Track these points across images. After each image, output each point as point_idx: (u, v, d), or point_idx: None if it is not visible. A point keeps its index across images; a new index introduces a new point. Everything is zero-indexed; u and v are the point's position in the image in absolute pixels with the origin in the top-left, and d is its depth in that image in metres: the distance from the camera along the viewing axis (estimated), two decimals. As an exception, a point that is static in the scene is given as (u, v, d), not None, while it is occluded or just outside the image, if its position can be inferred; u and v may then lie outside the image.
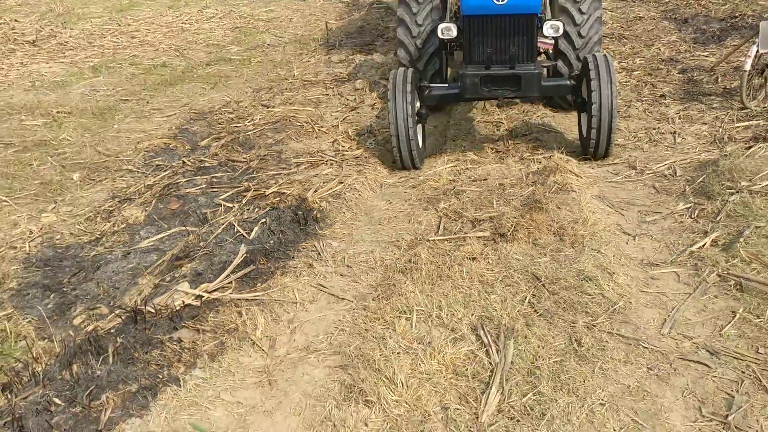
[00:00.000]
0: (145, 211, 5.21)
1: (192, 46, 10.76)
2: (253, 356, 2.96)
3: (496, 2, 5.56)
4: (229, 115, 7.36)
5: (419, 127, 6.20)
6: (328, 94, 7.73)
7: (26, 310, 4.05)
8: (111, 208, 5.33)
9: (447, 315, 3.03)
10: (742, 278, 3.12)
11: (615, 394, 2.49)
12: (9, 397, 2.74)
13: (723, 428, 2.32)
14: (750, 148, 4.73)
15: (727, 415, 2.37)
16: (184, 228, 4.76)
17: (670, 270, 3.37)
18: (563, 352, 2.74)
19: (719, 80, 7.13)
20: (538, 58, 6.55)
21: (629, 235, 3.81)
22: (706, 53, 8.20)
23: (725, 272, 3.21)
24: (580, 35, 6.55)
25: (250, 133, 6.65)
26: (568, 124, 6.30)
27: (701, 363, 2.65)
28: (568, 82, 6.10)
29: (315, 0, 14.23)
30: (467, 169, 5.20)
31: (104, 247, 4.70)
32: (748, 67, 6.03)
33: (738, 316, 2.90)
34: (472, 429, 2.38)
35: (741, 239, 3.41)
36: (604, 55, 5.72)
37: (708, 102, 6.58)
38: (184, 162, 6.03)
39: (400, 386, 2.54)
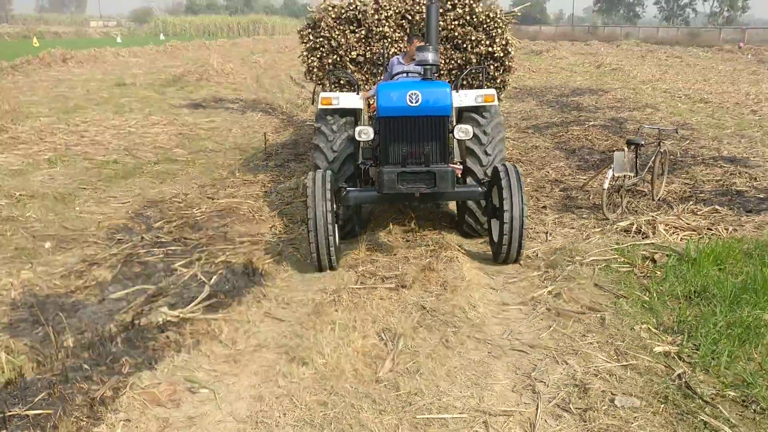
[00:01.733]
0: (113, 272, 6.44)
1: (140, 147, 12.23)
2: (221, 348, 4.38)
3: (410, 104, 6.21)
4: (178, 204, 8.76)
5: (336, 228, 6.46)
6: (266, 191, 9.30)
7: (20, 337, 5.21)
8: (82, 269, 6.53)
9: (360, 326, 4.55)
10: (559, 309, 4.80)
11: (465, 364, 4.05)
12: (48, 363, 4.03)
13: (527, 378, 3.88)
14: (588, 237, 6.57)
15: (531, 373, 3.94)
16: (148, 287, 6.06)
17: (516, 307, 5.02)
18: (435, 345, 4.30)
19: (591, 197, 9.06)
20: None
21: (494, 289, 5.47)
22: (585, 177, 10.24)
23: (551, 307, 4.88)
24: (486, 153, 7.24)
25: (198, 218, 8.08)
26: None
27: (522, 351, 4.25)
28: (480, 188, 6.69)
29: (253, 114, 16.15)
30: (381, 247, 6.81)
31: (80, 297, 5.97)
32: (606, 186, 7.89)
33: (552, 328, 4.54)
34: (372, 379, 3.86)
35: (565, 288, 5.13)
36: (514, 165, 6.37)
37: (579, 213, 8.37)
38: (142, 237, 7.36)
39: (327, 356, 4.02)
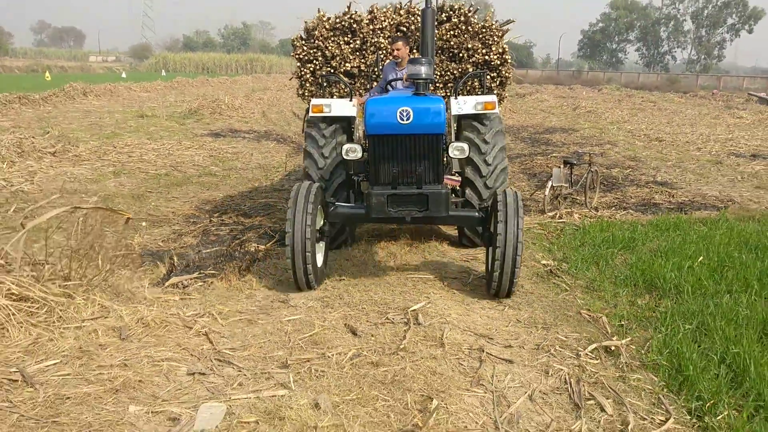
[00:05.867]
0: (197, 239, 10.09)
1: (182, 165, 15.89)
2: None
3: (400, 122, 6.00)
4: (228, 202, 12.46)
5: (320, 245, 6.88)
6: (293, 195, 13.02)
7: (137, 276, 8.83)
8: (175, 237, 10.10)
9: (377, 250, 8.28)
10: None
11: (434, 260, 7.79)
12: (202, 260, 7.71)
13: (467, 265, 7.61)
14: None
15: (467, 265, 7.67)
16: (223, 248, 9.69)
17: (466, 251, 8.77)
18: (420, 258, 8.05)
19: (539, 205, 12.79)
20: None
21: (455, 244, 9.20)
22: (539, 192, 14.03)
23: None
24: (486, 163, 7.48)
25: (246, 211, 11.74)
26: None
27: (466, 261, 7.99)
28: (477, 213, 6.81)
29: (267, 142, 19.93)
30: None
31: (182, 250, 9.60)
32: (547, 192, 11.70)
33: (483, 253, 8.30)
34: (388, 262, 7.59)
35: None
36: (515, 192, 6.33)
37: (528, 214, 12.11)
38: (210, 220, 10.96)
39: (362, 256, 7.76)
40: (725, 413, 4.42)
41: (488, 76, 9.86)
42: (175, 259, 7.85)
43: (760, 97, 39.56)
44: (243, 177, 14.94)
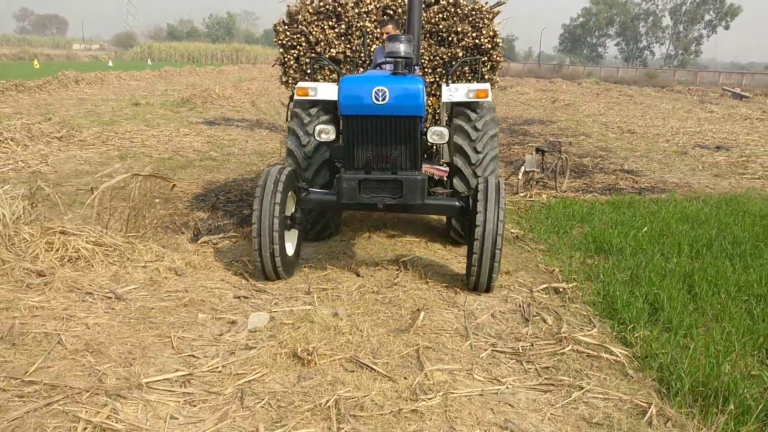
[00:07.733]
0: (207, 213, 11.64)
1: (182, 150, 17.32)
2: (300, 227, 9.72)
3: (375, 102, 5.72)
4: (231, 183, 13.97)
5: (292, 232, 6.83)
6: (290, 177, 14.58)
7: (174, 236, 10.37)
8: (187, 212, 11.66)
9: (365, 222, 9.88)
10: (469, 217, 10.22)
11: (418, 229, 9.40)
12: (224, 226, 9.27)
13: (446, 238, 9.23)
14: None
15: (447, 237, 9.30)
16: (233, 220, 11.24)
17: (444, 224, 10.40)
18: (405, 225, 9.65)
19: (513, 189, 14.45)
20: (435, 188, 7.50)
21: (440, 221, 10.82)
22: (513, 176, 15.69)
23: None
24: (476, 150, 7.35)
25: (249, 189, 13.27)
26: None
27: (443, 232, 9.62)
28: (456, 203, 6.60)
29: (260, 130, 21.43)
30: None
31: (196, 221, 11.12)
32: (520, 176, 13.35)
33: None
34: (373, 232, 9.20)
35: (474, 212, 10.56)
36: (497, 182, 6.14)
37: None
38: (217, 198, 12.53)
39: (358, 228, 9.35)
40: (641, 333, 6.06)
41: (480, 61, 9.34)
42: (199, 224, 9.39)
43: (734, 92, 41.63)
44: (241, 161, 16.41)
